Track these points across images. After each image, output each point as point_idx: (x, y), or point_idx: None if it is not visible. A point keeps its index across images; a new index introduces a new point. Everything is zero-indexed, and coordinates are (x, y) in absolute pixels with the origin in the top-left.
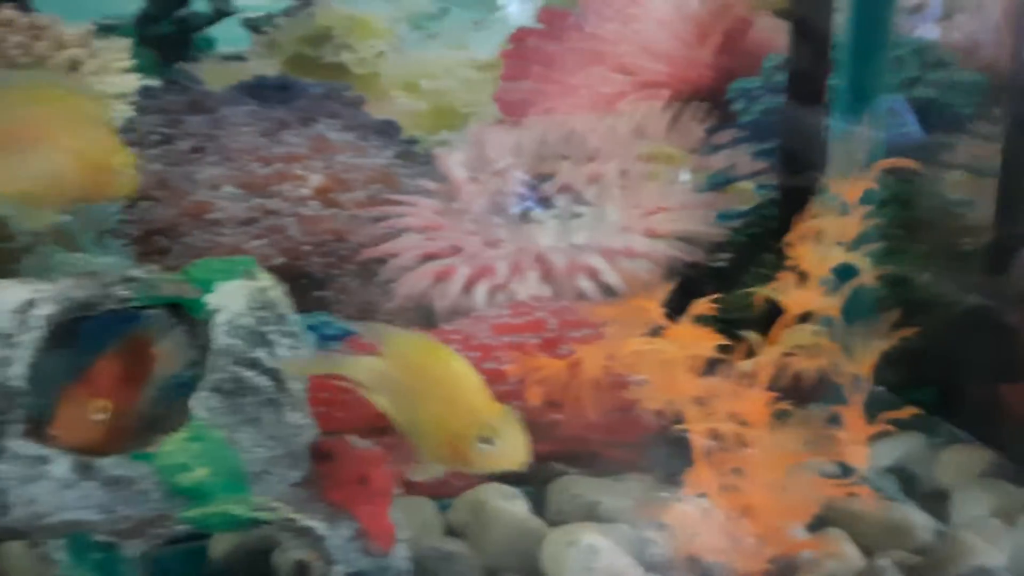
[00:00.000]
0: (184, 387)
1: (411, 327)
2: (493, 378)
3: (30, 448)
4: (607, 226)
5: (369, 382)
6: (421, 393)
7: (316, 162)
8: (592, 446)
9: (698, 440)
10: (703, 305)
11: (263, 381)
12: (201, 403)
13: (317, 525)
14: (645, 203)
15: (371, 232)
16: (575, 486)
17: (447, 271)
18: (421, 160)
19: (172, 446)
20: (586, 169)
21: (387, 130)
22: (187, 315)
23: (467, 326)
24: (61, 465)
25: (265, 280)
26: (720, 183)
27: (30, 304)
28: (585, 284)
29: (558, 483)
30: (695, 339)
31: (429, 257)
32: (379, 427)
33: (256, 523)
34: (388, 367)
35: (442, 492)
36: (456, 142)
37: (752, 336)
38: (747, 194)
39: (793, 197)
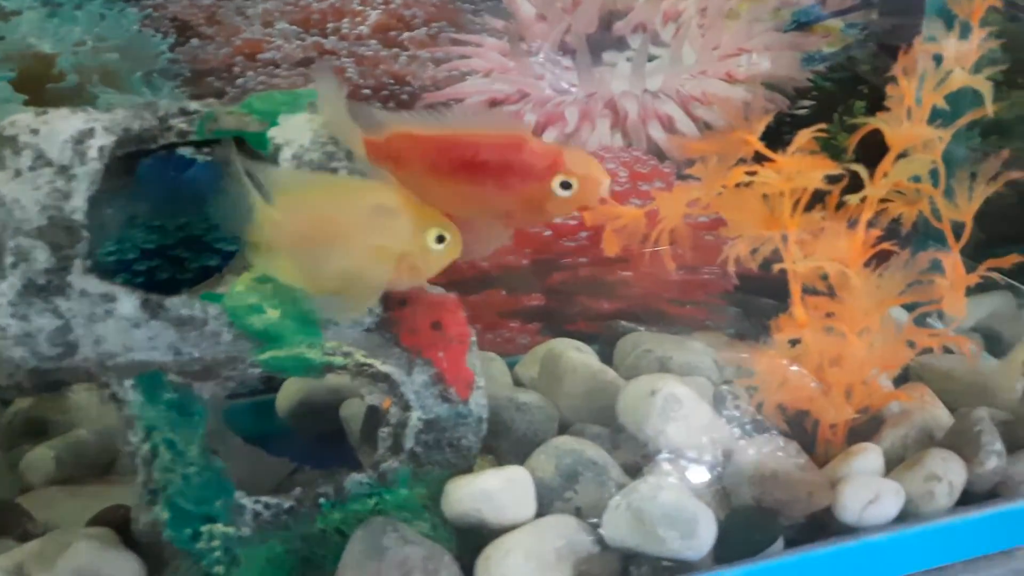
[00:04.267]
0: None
1: None
2: (561, 233)
3: (95, 284)
4: (683, 70)
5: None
6: None
7: None
8: (660, 304)
9: (795, 281)
10: (807, 135)
11: None
12: None
13: (393, 371)
14: (725, 44)
15: (433, 75)
16: (645, 342)
17: None
18: None
19: (242, 286)
20: (663, 5)
21: None
22: (250, 150)
23: None
24: (128, 303)
25: None
26: (807, 22)
27: (87, 134)
28: (658, 134)
29: (627, 339)
30: (804, 167)
31: (494, 103)
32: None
33: (330, 367)
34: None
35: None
36: None
37: (860, 168)
38: (835, 34)
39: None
